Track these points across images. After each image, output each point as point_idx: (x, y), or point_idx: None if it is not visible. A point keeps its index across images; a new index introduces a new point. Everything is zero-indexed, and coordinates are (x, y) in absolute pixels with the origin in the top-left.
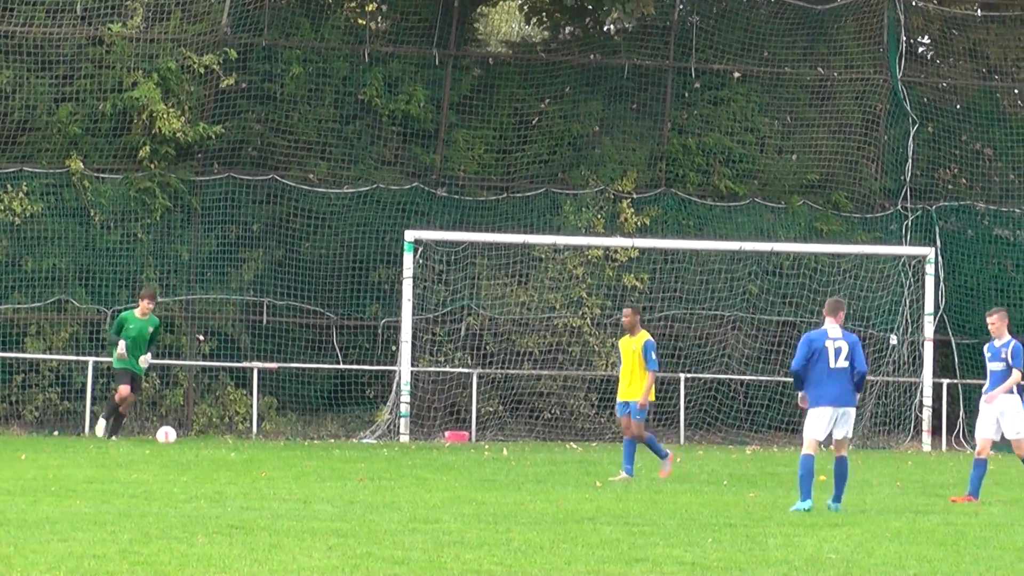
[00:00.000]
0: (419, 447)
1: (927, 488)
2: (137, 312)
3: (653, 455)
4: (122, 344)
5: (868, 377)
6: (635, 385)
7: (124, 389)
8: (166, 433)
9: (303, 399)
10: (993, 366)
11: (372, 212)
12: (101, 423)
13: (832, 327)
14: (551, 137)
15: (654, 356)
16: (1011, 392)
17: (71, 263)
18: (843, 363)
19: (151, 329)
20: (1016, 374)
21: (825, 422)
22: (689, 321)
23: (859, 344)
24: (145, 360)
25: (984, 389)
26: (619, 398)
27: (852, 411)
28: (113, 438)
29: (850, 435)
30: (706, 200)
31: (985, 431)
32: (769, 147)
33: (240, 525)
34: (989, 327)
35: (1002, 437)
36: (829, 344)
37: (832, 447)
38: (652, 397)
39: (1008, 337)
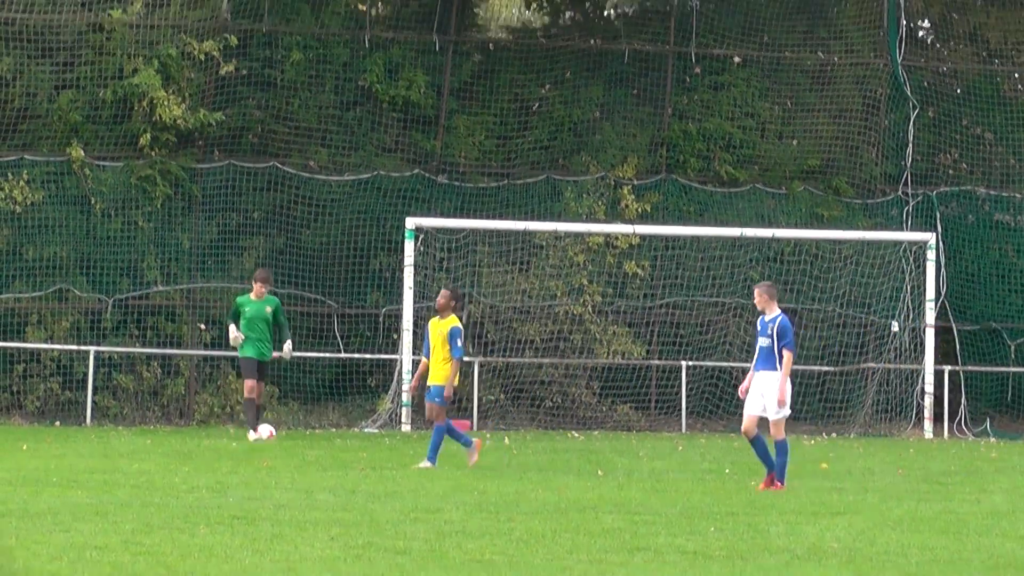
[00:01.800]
0: (421, 436)
1: (929, 476)
2: (252, 295)
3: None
4: (233, 328)
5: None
6: (439, 369)
7: (250, 384)
8: (271, 432)
9: (304, 388)
10: (761, 341)
11: (373, 199)
12: (251, 434)
13: None
14: (552, 123)
15: (459, 343)
16: (775, 369)
17: (72, 252)
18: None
19: (269, 309)
20: (787, 356)
21: None
22: (690, 308)
23: None
24: (288, 351)
25: (753, 364)
26: (428, 382)
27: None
28: (252, 435)
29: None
30: (707, 186)
31: (751, 407)
32: (770, 132)
33: (242, 515)
34: (755, 301)
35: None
36: None
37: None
38: (455, 383)
39: (777, 311)
